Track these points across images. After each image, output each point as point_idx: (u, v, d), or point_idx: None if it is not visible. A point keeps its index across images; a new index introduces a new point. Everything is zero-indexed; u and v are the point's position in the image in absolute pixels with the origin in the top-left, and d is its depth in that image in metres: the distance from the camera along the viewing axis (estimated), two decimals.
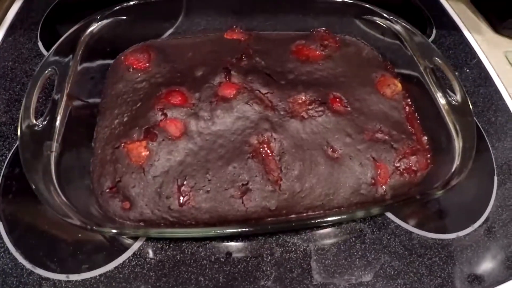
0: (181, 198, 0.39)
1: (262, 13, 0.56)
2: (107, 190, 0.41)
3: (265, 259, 0.41)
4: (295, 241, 0.43)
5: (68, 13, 0.63)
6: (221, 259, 0.41)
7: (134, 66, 0.49)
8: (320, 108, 0.45)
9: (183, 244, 0.42)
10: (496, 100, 0.62)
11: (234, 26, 0.55)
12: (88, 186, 0.42)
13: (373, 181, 0.42)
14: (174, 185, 0.39)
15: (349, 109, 0.46)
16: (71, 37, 0.46)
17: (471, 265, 0.44)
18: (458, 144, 0.43)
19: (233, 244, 0.42)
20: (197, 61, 0.49)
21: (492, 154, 0.54)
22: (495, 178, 0.52)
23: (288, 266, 0.41)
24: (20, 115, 0.40)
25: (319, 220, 0.37)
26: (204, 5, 0.55)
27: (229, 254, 0.42)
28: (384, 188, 0.43)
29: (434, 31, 0.69)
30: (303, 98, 0.46)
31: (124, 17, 0.51)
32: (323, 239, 0.43)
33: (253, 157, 0.41)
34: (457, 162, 0.42)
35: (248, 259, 0.41)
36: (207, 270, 0.40)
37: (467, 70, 0.65)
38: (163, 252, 0.41)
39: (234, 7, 0.55)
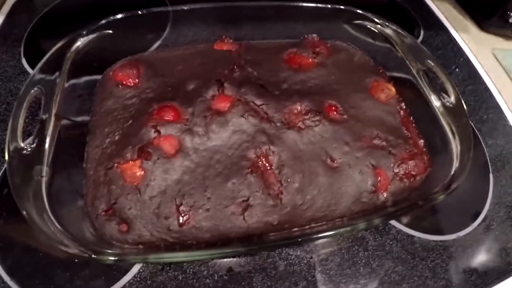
0: (181, 218, 0.37)
1: (250, 21, 0.55)
2: (102, 213, 0.39)
3: (269, 273, 0.40)
4: (298, 253, 0.42)
5: (52, 28, 0.60)
6: (224, 276, 0.40)
7: (124, 82, 0.47)
8: (316, 118, 0.44)
9: (184, 263, 0.40)
10: (487, 98, 0.62)
11: (224, 37, 0.53)
12: (82, 209, 0.40)
13: (373, 188, 0.41)
14: (173, 205, 0.38)
15: (345, 116, 0.45)
16: (56, 54, 0.44)
17: (473, 264, 0.44)
18: (455, 145, 0.43)
19: (235, 260, 0.41)
20: (188, 74, 0.47)
21: (486, 152, 0.54)
22: (491, 175, 0.52)
23: (293, 279, 0.40)
24: (7, 139, 0.37)
25: (323, 234, 0.36)
26: (191, 16, 0.53)
27: (232, 271, 0.40)
28: (384, 194, 0.42)
29: (422, 32, 0.69)
30: (299, 108, 0.44)
31: (110, 31, 0.48)
32: (326, 249, 0.42)
33: (252, 172, 0.40)
34: (456, 164, 0.42)
35: (252, 275, 0.40)
36: None
37: (456, 70, 0.65)
38: (164, 273, 0.40)
39: (221, 16, 0.54)
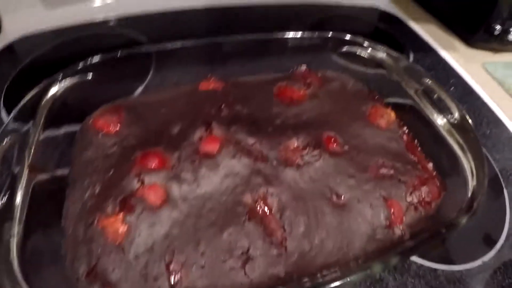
0: (171, 278, 0.32)
1: (236, 59, 0.52)
2: (83, 277, 0.33)
3: None
4: None
5: (33, 79, 0.57)
6: None
7: (104, 130, 0.43)
8: (315, 152, 0.40)
9: None
10: (486, 113, 0.60)
11: (209, 76, 0.50)
12: (61, 273, 0.34)
13: (387, 222, 0.37)
14: (162, 264, 0.33)
15: (346, 148, 0.41)
16: (31, 102, 0.41)
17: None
18: (467, 163, 0.40)
19: None
20: (172, 117, 0.44)
21: (495, 167, 0.51)
22: (505, 191, 0.48)
23: None
24: None
25: (337, 283, 0.31)
26: (175, 58, 0.51)
27: None
28: (400, 227, 0.37)
29: (411, 55, 0.68)
30: (295, 143, 0.41)
31: (89, 77, 0.45)
32: None
33: (249, 219, 0.35)
34: (472, 182, 0.38)
35: None
36: None
37: (451, 88, 0.63)
38: None
39: (205, 54, 0.51)
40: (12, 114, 0.39)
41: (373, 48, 0.49)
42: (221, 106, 0.44)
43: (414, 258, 0.41)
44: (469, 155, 0.39)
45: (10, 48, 0.64)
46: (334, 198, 0.37)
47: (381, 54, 0.49)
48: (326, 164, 0.39)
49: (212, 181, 0.37)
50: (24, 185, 0.35)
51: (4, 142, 0.37)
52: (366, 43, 0.50)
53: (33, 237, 0.33)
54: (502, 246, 0.43)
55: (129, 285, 0.32)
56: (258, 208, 0.36)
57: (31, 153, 0.37)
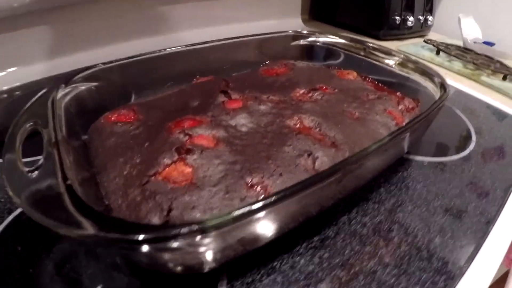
0: (257, 191, 0.31)
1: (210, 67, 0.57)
2: None
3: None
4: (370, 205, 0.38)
5: None
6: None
7: (122, 120, 0.41)
8: (318, 92, 0.46)
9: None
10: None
11: (197, 76, 0.53)
12: None
13: (395, 122, 0.43)
14: (242, 182, 0.31)
15: (336, 90, 0.48)
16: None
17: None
18: (423, 77, 0.50)
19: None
20: (186, 99, 0.45)
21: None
22: (456, 110, 0.62)
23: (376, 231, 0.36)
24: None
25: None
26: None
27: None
28: (405, 123, 0.43)
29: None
30: (301, 91, 0.46)
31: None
32: (389, 195, 0.40)
33: (299, 133, 0.37)
34: (436, 81, 0.47)
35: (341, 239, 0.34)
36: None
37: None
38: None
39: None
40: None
41: (326, 36, 0.61)
42: (228, 83, 0.48)
43: (423, 158, 0.48)
44: (423, 71, 0.50)
45: None
46: (349, 115, 0.42)
47: (333, 38, 0.60)
48: (330, 98, 0.45)
49: (251, 121, 0.39)
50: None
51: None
52: (319, 34, 0.62)
53: None
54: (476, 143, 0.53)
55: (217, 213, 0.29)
56: (300, 128, 0.39)
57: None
